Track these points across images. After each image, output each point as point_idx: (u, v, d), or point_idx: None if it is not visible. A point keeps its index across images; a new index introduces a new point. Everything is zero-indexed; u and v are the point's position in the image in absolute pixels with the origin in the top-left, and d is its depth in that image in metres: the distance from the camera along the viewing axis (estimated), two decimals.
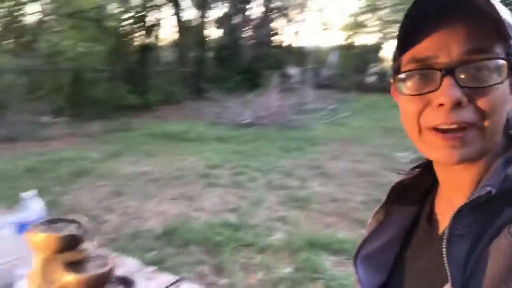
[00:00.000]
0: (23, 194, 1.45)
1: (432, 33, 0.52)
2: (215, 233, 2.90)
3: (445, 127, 0.51)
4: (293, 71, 13.93)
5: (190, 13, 14.85)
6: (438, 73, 0.51)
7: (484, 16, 0.49)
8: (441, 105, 0.50)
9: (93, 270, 0.92)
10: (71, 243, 0.90)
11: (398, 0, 13.48)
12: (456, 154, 0.51)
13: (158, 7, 12.90)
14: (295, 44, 17.72)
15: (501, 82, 0.50)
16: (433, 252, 0.56)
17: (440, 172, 0.60)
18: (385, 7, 15.87)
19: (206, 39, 14.99)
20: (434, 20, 0.52)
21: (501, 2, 0.51)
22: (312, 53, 17.51)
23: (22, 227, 1.41)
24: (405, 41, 0.54)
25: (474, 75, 0.50)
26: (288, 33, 17.78)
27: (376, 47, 16.44)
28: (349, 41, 17.34)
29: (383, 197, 0.67)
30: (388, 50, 15.51)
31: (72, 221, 0.97)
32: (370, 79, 15.87)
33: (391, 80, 0.59)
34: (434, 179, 0.63)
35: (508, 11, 0.52)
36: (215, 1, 14.78)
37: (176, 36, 14.10)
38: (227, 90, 9.69)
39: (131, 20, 11.75)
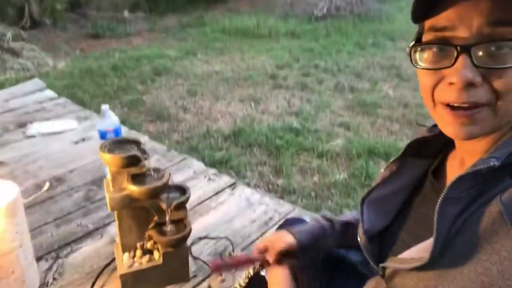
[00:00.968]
0: (103, 107, 1.69)
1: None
2: (277, 136, 3.07)
3: (456, 105, 0.51)
4: None
5: None
6: (454, 50, 0.49)
7: None
8: (452, 83, 0.50)
9: (152, 182, 1.12)
10: (133, 161, 1.08)
11: None
12: (465, 131, 0.52)
13: None
14: None
15: None
16: (436, 203, 0.60)
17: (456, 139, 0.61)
18: None
19: None
20: None
21: None
22: None
23: (103, 134, 1.67)
24: (424, 8, 0.51)
25: (493, 53, 0.48)
26: None
27: None
28: None
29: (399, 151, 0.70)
30: None
31: (135, 142, 1.15)
32: None
33: (408, 49, 0.56)
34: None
35: None
36: None
37: None
38: None
39: None
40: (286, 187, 2.45)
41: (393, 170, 0.70)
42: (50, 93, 2.97)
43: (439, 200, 0.52)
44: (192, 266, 1.36)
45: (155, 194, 1.10)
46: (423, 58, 0.54)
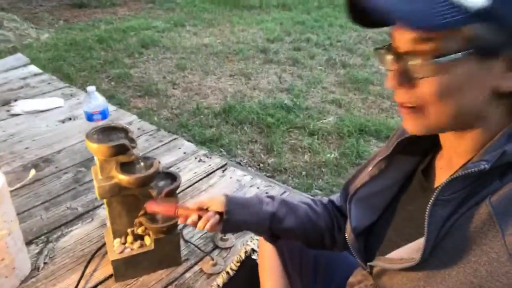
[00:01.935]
0: (88, 88, 1.64)
1: None
2: (268, 114, 3.04)
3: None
4: None
5: None
6: (389, 56, 0.54)
7: None
8: None
9: (141, 171, 1.10)
10: (121, 150, 1.06)
11: None
12: (407, 125, 0.57)
13: None
14: None
15: (443, 74, 0.48)
16: (424, 203, 0.61)
17: (440, 136, 0.61)
18: None
19: None
20: None
21: None
22: None
23: (90, 116, 1.63)
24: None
25: (416, 65, 0.50)
26: None
27: None
28: None
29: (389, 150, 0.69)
30: None
31: (122, 130, 1.12)
32: None
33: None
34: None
35: None
36: None
37: None
38: None
39: None
40: (277, 166, 2.46)
41: (382, 168, 0.70)
42: (34, 68, 2.87)
43: (429, 202, 0.53)
44: (184, 250, 1.37)
45: (144, 183, 1.09)
46: (382, 60, 0.57)
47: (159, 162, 1.13)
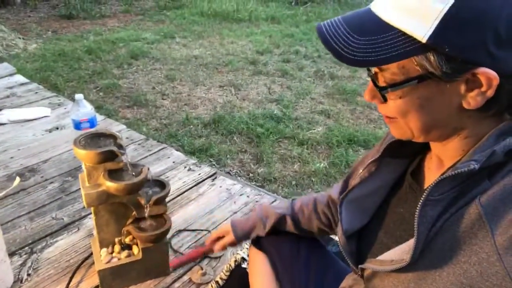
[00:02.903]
0: (76, 96, 1.62)
1: None
2: (258, 124, 3.05)
3: None
4: None
5: None
6: (369, 72, 0.56)
7: None
8: None
9: (130, 178, 1.08)
10: (109, 156, 1.05)
11: None
12: (392, 132, 0.61)
13: None
14: None
15: (403, 96, 0.52)
16: (414, 204, 0.61)
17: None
18: None
19: None
20: None
21: None
22: None
23: (77, 125, 1.61)
24: None
25: (379, 87, 0.54)
26: None
27: None
28: None
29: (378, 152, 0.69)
30: None
31: (111, 136, 1.10)
32: None
33: None
34: None
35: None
36: None
37: None
38: None
39: None
40: (267, 176, 2.45)
41: (372, 171, 0.70)
42: (20, 78, 2.83)
43: (419, 203, 0.53)
44: (172, 260, 1.34)
45: (133, 190, 1.07)
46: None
47: (148, 169, 1.11)
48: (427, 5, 0.46)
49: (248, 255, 1.12)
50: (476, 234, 0.48)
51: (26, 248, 1.39)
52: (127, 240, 1.23)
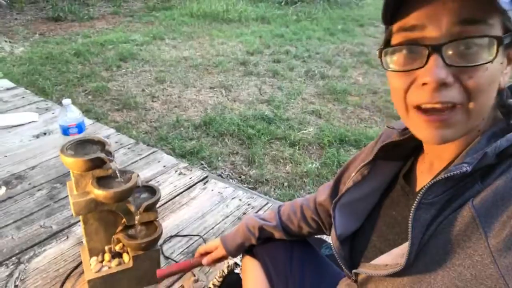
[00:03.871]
0: (64, 101, 1.59)
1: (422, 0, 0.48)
2: (249, 125, 3.03)
3: (429, 106, 0.50)
4: None
5: None
6: (425, 50, 0.48)
7: None
8: (425, 84, 0.48)
9: (119, 185, 1.06)
10: (97, 163, 1.02)
11: None
12: (439, 135, 0.51)
13: None
14: None
15: (491, 61, 0.47)
16: (406, 207, 0.60)
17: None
18: None
19: None
20: None
21: None
22: None
23: (65, 130, 1.58)
24: (393, 10, 0.49)
25: (463, 52, 0.47)
26: None
27: None
28: None
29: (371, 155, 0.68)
30: None
31: (99, 142, 1.08)
32: None
33: (378, 53, 0.54)
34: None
35: None
36: None
37: None
38: None
39: None
40: (259, 178, 2.43)
41: (365, 174, 0.70)
42: (6, 82, 2.78)
43: (413, 206, 0.52)
44: (164, 266, 1.32)
45: (122, 197, 1.05)
46: (394, 60, 0.53)
47: (138, 175, 1.09)
48: None
49: (241, 261, 1.11)
50: (470, 237, 0.48)
51: (13, 258, 1.36)
52: (117, 248, 1.20)
